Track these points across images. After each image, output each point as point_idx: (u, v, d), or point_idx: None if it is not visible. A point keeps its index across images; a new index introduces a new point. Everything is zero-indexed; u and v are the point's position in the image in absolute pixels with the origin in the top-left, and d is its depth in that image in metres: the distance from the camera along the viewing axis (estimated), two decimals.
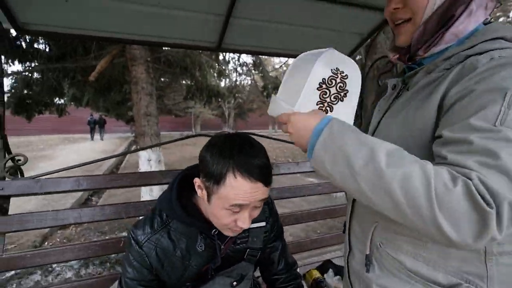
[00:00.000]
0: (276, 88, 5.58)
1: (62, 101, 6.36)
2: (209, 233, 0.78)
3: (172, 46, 1.81)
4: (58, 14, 1.35)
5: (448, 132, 0.49)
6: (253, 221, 0.89)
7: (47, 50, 3.66)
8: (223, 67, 5.58)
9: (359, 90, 0.65)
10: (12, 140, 1.29)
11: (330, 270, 1.44)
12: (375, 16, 1.63)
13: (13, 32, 3.37)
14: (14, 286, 2.27)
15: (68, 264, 2.62)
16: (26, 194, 1.18)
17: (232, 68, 5.62)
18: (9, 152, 1.25)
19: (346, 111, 0.64)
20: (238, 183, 0.64)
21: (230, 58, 5.36)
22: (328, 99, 0.62)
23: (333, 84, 0.62)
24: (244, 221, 0.69)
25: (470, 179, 0.42)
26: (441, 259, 0.57)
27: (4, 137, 1.28)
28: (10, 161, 1.25)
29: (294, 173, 1.71)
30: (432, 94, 0.56)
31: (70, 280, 1.15)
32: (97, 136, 16.19)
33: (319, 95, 0.62)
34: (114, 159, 8.42)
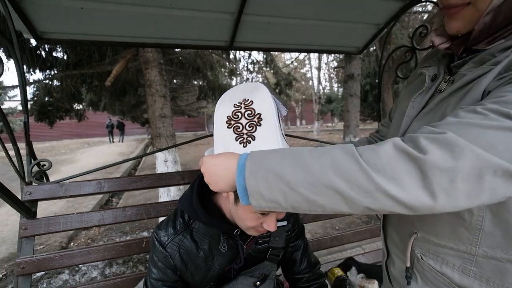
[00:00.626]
0: (288, 85, 5.57)
1: (81, 106, 6.60)
2: (232, 233, 0.78)
3: (186, 47, 1.82)
4: (74, 22, 1.39)
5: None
6: None
7: (65, 58, 3.79)
8: (234, 66, 5.58)
9: (271, 105, 0.64)
10: (36, 146, 1.34)
11: (353, 268, 1.41)
12: (392, 5, 1.57)
13: (33, 42, 3.52)
14: (44, 285, 2.37)
15: (94, 264, 2.72)
16: (51, 198, 1.23)
17: (243, 66, 5.60)
18: (35, 158, 1.30)
19: (269, 132, 0.63)
20: None
21: (241, 57, 5.35)
22: (244, 131, 0.63)
23: (239, 117, 0.63)
24: (270, 225, 0.68)
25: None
26: (497, 274, 0.51)
27: (29, 143, 1.33)
28: (36, 166, 1.30)
29: None
30: (477, 85, 0.48)
31: (96, 280, 1.19)
32: (116, 138, 16.71)
33: (233, 131, 0.63)
34: (132, 161, 8.65)
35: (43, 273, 2.57)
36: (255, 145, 0.62)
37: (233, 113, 0.64)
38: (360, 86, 4.98)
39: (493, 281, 0.51)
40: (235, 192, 0.67)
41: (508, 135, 0.39)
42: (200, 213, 0.74)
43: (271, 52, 4.83)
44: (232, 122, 0.63)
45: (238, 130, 0.63)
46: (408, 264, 0.62)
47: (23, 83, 1.30)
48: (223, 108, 0.65)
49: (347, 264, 1.48)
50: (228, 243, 0.79)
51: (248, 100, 0.64)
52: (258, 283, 0.84)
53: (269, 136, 0.62)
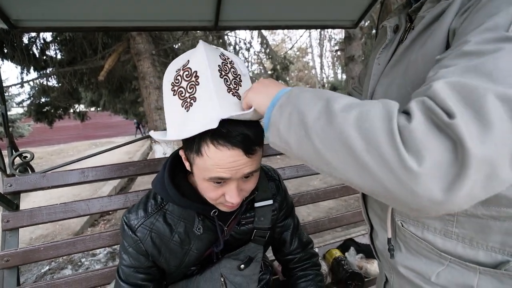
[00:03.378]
0: (285, 69, 5.44)
1: (82, 106, 6.63)
2: (208, 214, 0.72)
3: (168, 30, 1.75)
4: (49, 8, 1.32)
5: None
6: (259, 199, 0.82)
7: (58, 56, 3.76)
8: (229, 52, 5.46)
9: (204, 59, 0.57)
10: (46, 149, 1.32)
11: (352, 248, 1.35)
12: None
13: (25, 40, 3.50)
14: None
15: (96, 258, 2.73)
16: (34, 189, 1.19)
17: (242, 56, 5.48)
18: (16, 150, 1.26)
19: (206, 89, 0.57)
20: (213, 151, 0.55)
21: (235, 43, 5.20)
22: (187, 94, 0.57)
23: (180, 80, 0.58)
24: (231, 195, 0.61)
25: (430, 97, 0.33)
26: (479, 234, 0.46)
27: (10, 135, 1.29)
28: (19, 159, 1.27)
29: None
30: (438, 26, 0.44)
31: (85, 271, 1.16)
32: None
33: (178, 97, 0.58)
34: (138, 157, 8.73)
35: (46, 268, 2.59)
36: (196, 108, 0.56)
37: (175, 78, 0.59)
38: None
39: (477, 241, 0.47)
40: (189, 161, 0.62)
41: None
42: (172, 194, 0.68)
43: (265, 36, 4.71)
44: (176, 88, 0.59)
45: (182, 95, 0.58)
46: (390, 235, 0.58)
47: None
48: (167, 77, 0.61)
49: (346, 245, 1.42)
50: (204, 225, 0.73)
51: (186, 60, 0.59)
52: (242, 266, 0.78)
53: (206, 93, 0.56)
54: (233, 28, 1.86)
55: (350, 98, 0.39)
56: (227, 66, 0.61)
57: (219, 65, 0.59)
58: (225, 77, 0.59)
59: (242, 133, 0.55)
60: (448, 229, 0.49)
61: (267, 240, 0.85)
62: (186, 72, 0.58)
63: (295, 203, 1.44)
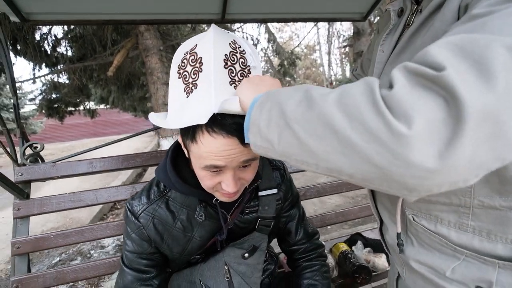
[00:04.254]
0: (292, 65, 5.39)
1: (92, 103, 6.74)
2: (210, 201, 0.71)
3: (175, 22, 1.75)
4: (59, 1, 1.34)
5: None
6: (263, 188, 0.81)
7: (69, 53, 3.83)
8: None
9: (211, 46, 0.54)
10: (57, 146, 1.34)
11: (359, 242, 1.33)
12: None
13: (37, 37, 3.58)
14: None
15: (105, 250, 2.78)
16: (44, 179, 1.21)
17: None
18: (27, 140, 1.29)
19: (207, 78, 0.55)
20: (207, 139, 0.53)
21: (243, 38, 5.17)
22: (190, 80, 0.55)
23: (185, 64, 0.56)
24: (227, 184, 0.58)
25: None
26: (498, 226, 0.44)
27: (21, 126, 1.32)
28: (29, 149, 1.30)
29: None
30: (448, 4, 0.41)
31: (92, 260, 1.18)
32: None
33: (182, 81, 0.56)
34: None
35: (57, 260, 2.65)
36: (195, 96, 0.54)
37: (181, 61, 0.58)
38: None
39: (495, 234, 0.44)
40: (187, 148, 0.61)
41: None
42: (174, 180, 0.68)
43: (273, 33, 4.67)
44: (181, 71, 0.57)
45: (186, 79, 0.56)
46: (399, 230, 0.56)
47: (9, 65, 1.28)
48: (176, 58, 0.59)
49: (354, 239, 1.40)
50: (206, 212, 0.72)
51: (194, 44, 0.57)
52: (246, 255, 0.78)
53: (206, 83, 0.53)
54: (240, 21, 1.85)
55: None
56: (236, 56, 0.57)
57: (226, 55, 0.56)
58: (230, 67, 0.56)
59: (238, 122, 0.52)
60: (464, 222, 0.46)
61: (272, 229, 0.84)
62: (192, 57, 0.56)
63: (301, 197, 1.43)
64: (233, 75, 0.56)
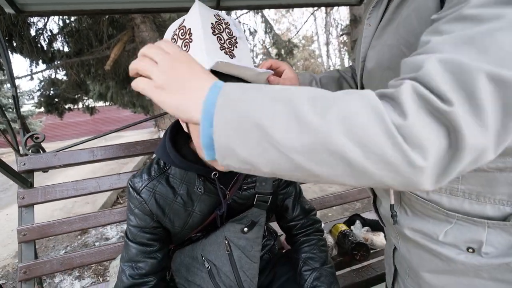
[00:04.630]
0: (289, 53, 5.36)
1: (91, 100, 6.74)
2: (209, 176, 0.73)
3: (170, 11, 1.75)
4: None
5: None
6: None
7: (65, 49, 3.82)
8: None
9: (198, 16, 0.55)
10: (58, 145, 1.36)
11: (358, 221, 1.35)
12: None
13: (32, 33, 3.56)
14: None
15: (109, 242, 2.83)
16: (46, 168, 1.23)
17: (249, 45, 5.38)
18: (28, 131, 1.31)
19: (197, 45, 0.54)
20: None
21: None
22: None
23: (176, 40, 0.57)
24: None
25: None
26: (486, 188, 0.46)
27: (21, 117, 1.34)
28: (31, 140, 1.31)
29: None
30: None
31: (97, 246, 1.21)
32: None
33: (217, 40, 0.56)
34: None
35: (63, 252, 2.70)
36: None
37: (171, 37, 0.60)
38: None
39: (484, 195, 0.47)
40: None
41: None
42: (173, 156, 0.70)
43: (269, 21, 4.63)
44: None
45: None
46: (392, 201, 0.57)
47: (7, 57, 1.29)
48: (165, 37, 0.62)
49: (352, 220, 1.43)
50: (205, 186, 0.75)
51: (182, 19, 0.59)
52: (245, 229, 0.80)
53: (198, 49, 0.55)
54: (234, 8, 1.84)
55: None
56: (221, 26, 0.60)
57: (212, 23, 0.58)
58: (218, 35, 0.58)
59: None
60: (454, 187, 0.48)
61: (270, 206, 0.86)
62: (181, 31, 0.58)
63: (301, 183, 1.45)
64: (222, 42, 0.58)
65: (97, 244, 2.81)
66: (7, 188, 6.30)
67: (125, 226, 0.82)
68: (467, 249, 0.49)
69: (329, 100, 0.32)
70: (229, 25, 0.62)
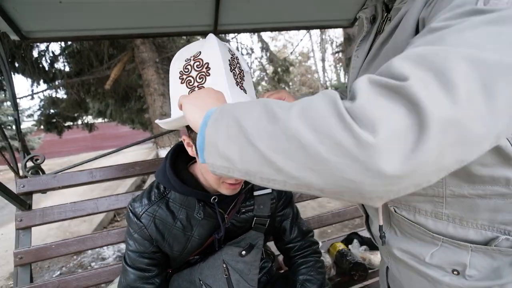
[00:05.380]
0: (286, 71, 5.50)
1: (90, 117, 6.79)
2: (208, 200, 0.75)
3: (169, 35, 1.82)
4: (55, 18, 1.39)
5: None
6: (257, 188, 0.85)
7: (66, 69, 3.90)
8: None
9: (218, 53, 0.61)
10: (56, 161, 1.38)
11: (355, 240, 1.36)
12: None
13: (34, 54, 3.65)
14: None
15: (105, 262, 2.77)
16: (45, 190, 1.24)
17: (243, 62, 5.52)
18: (28, 153, 1.32)
19: (219, 80, 0.60)
20: None
21: (236, 47, 5.28)
22: (196, 84, 0.61)
23: (190, 70, 0.62)
24: None
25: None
26: (468, 213, 0.48)
27: (22, 140, 1.36)
28: (30, 162, 1.33)
29: None
30: (407, 17, 0.44)
31: (94, 268, 1.20)
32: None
33: (186, 86, 0.62)
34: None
35: (58, 273, 2.64)
36: None
37: (184, 67, 0.63)
38: None
39: (466, 220, 0.49)
40: (194, 141, 0.65)
41: (490, 29, 0.30)
42: (174, 181, 0.72)
43: (265, 41, 4.79)
44: (184, 77, 0.62)
45: (190, 84, 0.62)
46: (381, 222, 0.59)
47: (10, 80, 1.33)
48: (176, 64, 0.65)
49: (350, 238, 1.43)
50: (204, 211, 0.76)
51: (197, 51, 0.63)
52: (243, 252, 0.81)
53: (218, 84, 0.59)
54: (232, 31, 1.92)
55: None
56: (234, 61, 0.65)
57: (229, 60, 0.63)
58: (233, 71, 0.63)
59: None
60: (439, 211, 0.50)
61: (268, 228, 0.87)
62: (197, 63, 0.62)
63: (297, 198, 1.46)
64: (235, 77, 0.63)
65: (93, 264, 2.76)
66: (3, 207, 6.21)
67: (122, 246, 0.82)
68: (452, 271, 0.51)
69: (302, 99, 0.35)
70: (238, 60, 0.67)
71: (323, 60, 17.24)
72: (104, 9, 1.40)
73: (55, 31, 1.49)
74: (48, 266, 2.92)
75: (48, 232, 3.78)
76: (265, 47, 4.62)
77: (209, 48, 0.62)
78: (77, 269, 2.72)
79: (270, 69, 5.77)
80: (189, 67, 0.62)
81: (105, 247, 3.13)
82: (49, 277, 2.64)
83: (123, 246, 3.03)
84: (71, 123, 5.16)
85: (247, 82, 0.67)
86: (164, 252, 0.77)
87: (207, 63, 0.61)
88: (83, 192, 5.26)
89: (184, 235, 0.76)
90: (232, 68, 0.63)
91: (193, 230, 0.77)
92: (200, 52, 0.62)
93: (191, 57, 0.63)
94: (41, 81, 3.68)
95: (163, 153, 3.24)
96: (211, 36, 0.64)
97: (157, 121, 0.69)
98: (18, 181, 1.22)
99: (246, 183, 0.77)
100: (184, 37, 3.89)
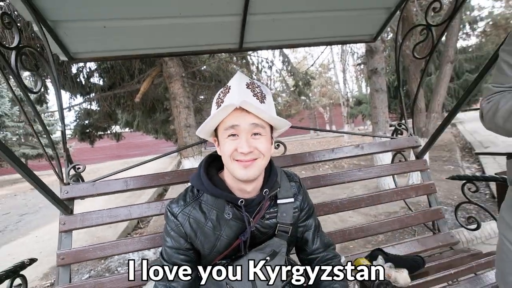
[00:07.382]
0: (306, 85, 5.55)
1: (118, 127, 7.20)
2: (236, 203, 0.83)
3: (198, 53, 1.94)
4: (99, 42, 1.56)
5: None
6: (281, 197, 0.91)
7: (100, 82, 4.21)
8: (254, 75, 5.72)
9: (236, 77, 0.81)
10: (86, 168, 1.52)
11: (380, 257, 1.33)
12: None
13: (73, 70, 3.98)
14: None
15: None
16: (85, 196, 1.36)
17: (260, 69, 5.67)
18: (71, 162, 1.46)
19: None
20: (223, 106, 0.75)
21: (258, 63, 5.44)
22: (258, 95, 0.79)
23: (255, 87, 0.79)
24: (242, 146, 0.76)
25: None
26: None
27: (66, 150, 1.50)
28: (73, 170, 1.46)
29: (329, 160, 1.65)
30: None
31: (119, 272, 1.27)
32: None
33: (251, 90, 0.79)
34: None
35: (87, 276, 2.77)
36: (222, 104, 0.78)
37: (218, 96, 0.82)
38: (387, 81, 4.77)
39: None
40: (217, 134, 0.81)
41: None
42: (206, 184, 0.83)
43: (286, 54, 4.88)
44: (217, 101, 0.82)
45: (218, 102, 0.81)
46: None
47: (59, 96, 1.48)
48: (215, 96, 0.83)
49: (375, 255, 1.41)
50: (232, 211, 0.84)
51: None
52: (268, 258, 0.85)
53: (232, 95, 0.78)
54: (256, 49, 2.01)
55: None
56: (254, 85, 0.80)
57: (247, 82, 0.80)
58: (251, 89, 0.79)
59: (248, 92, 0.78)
60: None
61: (290, 237, 0.91)
62: (224, 88, 0.82)
63: (320, 212, 1.48)
64: (255, 92, 0.77)
65: (119, 269, 2.88)
66: (37, 211, 6.64)
67: (146, 252, 0.92)
68: None
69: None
70: (260, 86, 0.81)
71: (343, 71, 17.12)
72: (140, 31, 1.54)
73: (97, 52, 1.66)
74: (77, 269, 3.08)
75: (77, 236, 4.01)
76: (286, 60, 4.72)
77: (232, 78, 0.81)
78: (104, 273, 2.85)
79: (290, 80, 5.88)
80: (220, 93, 0.82)
81: (130, 253, 3.26)
82: (79, 279, 2.79)
83: (147, 252, 3.13)
84: (102, 133, 5.52)
85: (269, 103, 0.81)
86: (196, 249, 0.85)
87: (229, 86, 0.80)
88: (108, 198, 5.51)
89: (214, 234, 0.84)
90: (250, 87, 0.79)
91: (222, 230, 0.84)
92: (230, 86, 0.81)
93: (223, 88, 0.83)
94: (78, 95, 4.01)
95: (186, 163, 3.38)
96: (237, 73, 0.82)
97: (198, 133, 0.85)
98: (62, 187, 1.35)
99: (270, 190, 0.86)
100: None
